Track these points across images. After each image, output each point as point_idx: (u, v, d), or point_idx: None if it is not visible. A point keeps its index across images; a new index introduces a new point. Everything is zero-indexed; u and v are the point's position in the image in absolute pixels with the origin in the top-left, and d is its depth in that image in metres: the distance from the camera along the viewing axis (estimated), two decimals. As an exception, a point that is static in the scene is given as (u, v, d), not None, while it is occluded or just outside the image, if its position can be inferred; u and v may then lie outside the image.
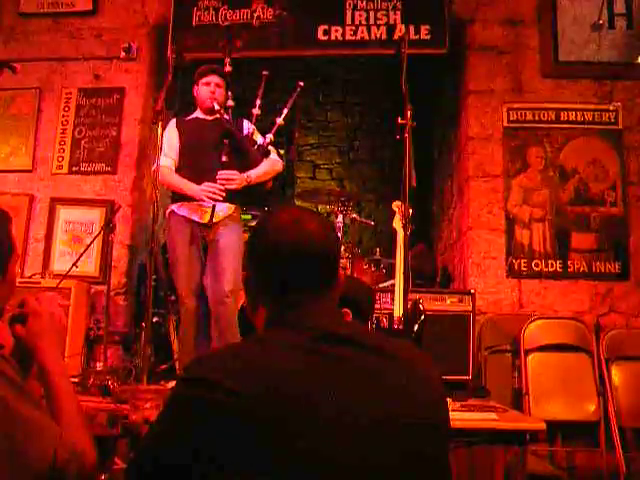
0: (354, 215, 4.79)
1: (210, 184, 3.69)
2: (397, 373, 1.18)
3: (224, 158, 3.72)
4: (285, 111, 3.97)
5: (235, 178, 3.72)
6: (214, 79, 3.92)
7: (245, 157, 3.83)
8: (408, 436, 1.11)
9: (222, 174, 3.70)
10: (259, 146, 3.87)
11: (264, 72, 3.88)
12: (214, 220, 3.68)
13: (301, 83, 4.02)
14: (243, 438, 1.01)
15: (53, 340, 1.45)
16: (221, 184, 3.69)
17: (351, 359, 1.14)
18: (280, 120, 3.95)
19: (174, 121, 3.98)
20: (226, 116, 3.86)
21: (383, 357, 1.19)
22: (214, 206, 3.67)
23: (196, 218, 3.76)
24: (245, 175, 3.77)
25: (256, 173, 3.85)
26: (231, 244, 3.73)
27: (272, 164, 3.97)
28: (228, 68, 3.89)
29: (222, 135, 3.76)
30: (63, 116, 5.05)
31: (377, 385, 1.13)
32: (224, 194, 3.69)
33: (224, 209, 3.76)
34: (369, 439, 1.06)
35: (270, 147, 3.93)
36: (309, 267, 1.26)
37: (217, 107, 3.84)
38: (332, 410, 1.06)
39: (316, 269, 1.27)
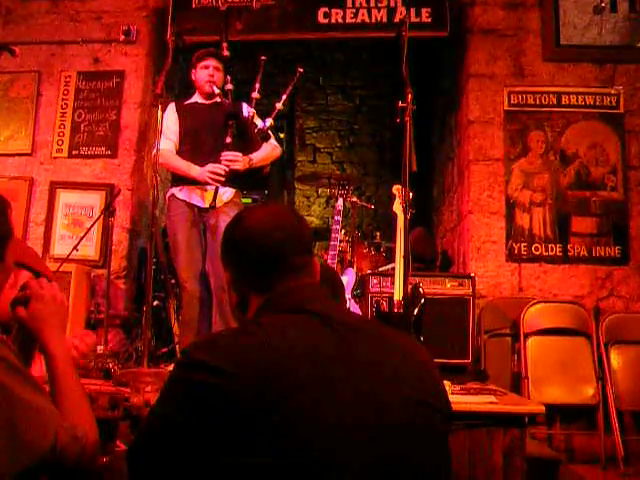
0: (354, 199, 4.79)
1: (214, 165, 3.68)
2: (396, 357, 1.19)
3: (228, 140, 3.70)
4: (284, 97, 3.95)
5: (239, 159, 3.71)
6: (212, 62, 3.90)
7: (247, 140, 3.82)
8: (409, 419, 1.12)
9: (226, 155, 3.69)
10: (259, 130, 3.86)
11: (262, 57, 3.86)
12: (217, 204, 3.67)
13: (300, 69, 4.00)
14: (242, 421, 1.01)
15: (55, 323, 1.46)
16: (225, 165, 3.67)
17: (348, 342, 1.15)
18: (280, 105, 3.94)
19: (173, 105, 3.97)
20: (226, 100, 3.84)
21: (380, 341, 1.21)
22: (217, 188, 3.66)
23: (197, 202, 3.75)
24: (247, 158, 3.76)
25: (257, 156, 3.85)
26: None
27: (272, 149, 3.97)
28: (226, 52, 3.87)
29: (227, 117, 3.75)
30: (63, 99, 5.03)
31: (377, 368, 1.14)
32: (228, 175, 3.68)
33: (227, 192, 3.76)
34: (368, 420, 1.07)
35: (269, 132, 3.93)
36: (285, 244, 1.30)
37: (216, 91, 3.83)
38: (333, 392, 1.06)
39: (291, 245, 1.31)
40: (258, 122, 3.92)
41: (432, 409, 1.17)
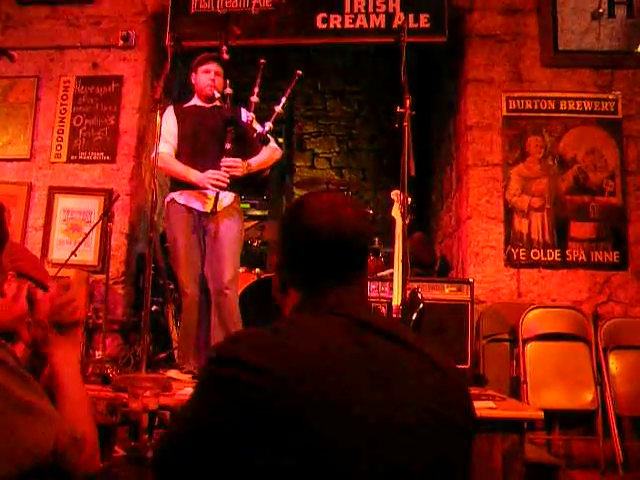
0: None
1: (215, 171, 3.67)
2: (431, 371, 1.17)
3: (228, 146, 3.70)
4: (283, 100, 3.95)
5: (239, 166, 3.72)
6: (213, 67, 3.91)
7: (246, 145, 3.82)
8: (436, 435, 1.10)
9: (226, 161, 3.69)
10: (258, 134, 3.86)
11: (262, 60, 3.86)
12: (217, 209, 3.67)
13: (299, 72, 4.00)
14: (273, 421, 1.00)
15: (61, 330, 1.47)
16: (225, 171, 3.67)
17: (384, 349, 1.13)
18: (279, 109, 3.93)
19: (172, 108, 3.96)
20: (225, 104, 3.84)
21: (416, 352, 1.18)
22: (218, 194, 3.66)
23: (198, 207, 3.75)
24: (246, 163, 3.77)
25: (256, 161, 3.85)
26: (232, 234, 3.73)
27: (271, 152, 3.97)
28: (226, 56, 3.87)
29: (226, 123, 3.75)
30: (61, 104, 5.03)
31: (410, 380, 1.12)
32: (228, 181, 3.68)
33: (227, 198, 3.76)
34: (396, 429, 1.06)
35: (269, 135, 3.93)
36: (346, 253, 1.25)
37: (217, 95, 3.83)
38: (364, 398, 1.05)
39: (352, 256, 1.26)
40: (257, 126, 3.92)
41: (456, 427, 1.15)
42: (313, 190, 5.54)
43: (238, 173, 3.71)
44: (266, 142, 3.89)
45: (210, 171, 3.68)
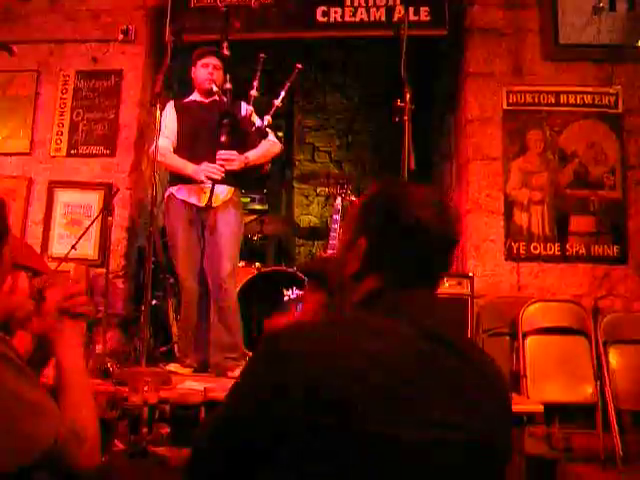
0: (353, 198, 4.78)
1: (210, 164, 3.67)
2: (486, 392, 1.13)
3: (223, 138, 3.69)
4: (283, 93, 3.94)
5: (234, 159, 3.71)
6: (212, 61, 3.90)
7: (243, 138, 3.81)
8: (472, 457, 1.06)
9: (221, 154, 3.69)
10: (257, 128, 3.85)
11: (261, 54, 3.85)
12: (214, 203, 3.67)
13: (299, 65, 3.99)
14: (323, 420, 0.97)
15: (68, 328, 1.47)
16: (220, 165, 3.67)
17: (449, 364, 1.09)
18: (278, 102, 3.92)
19: (172, 103, 3.96)
20: (224, 98, 3.84)
21: (479, 371, 1.14)
22: (213, 187, 3.66)
23: (194, 201, 3.75)
24: (243, 156, 3.76)
25: (254, 154, 3.84)
26: (231, 229, 3.73)
27: (270, 146, 3.96)
28: (226, 52, 3.86)
29: (222, 115, 3.75)
30: (61, 99, 5.02)
31: (467, 398, 1.08)
32: (223, 174, 3.67)
33: (224, 191, 3.76)
34: (439, 443, 1.02)
35: (268, 129, 3.92)
36: (446, 252, 1.21)
37: (215, 89, 3.83)
38: (419, 409, 1.02)
39: (449, 256, 1.22)
40: (256, 120, 3.91)
41: (496, 453, 1.12)
42: (313, 183, 5.53)
43: (234, 167, 3.70)
44: (264, 136, 3.88)
45: (205, 163, 3.68)
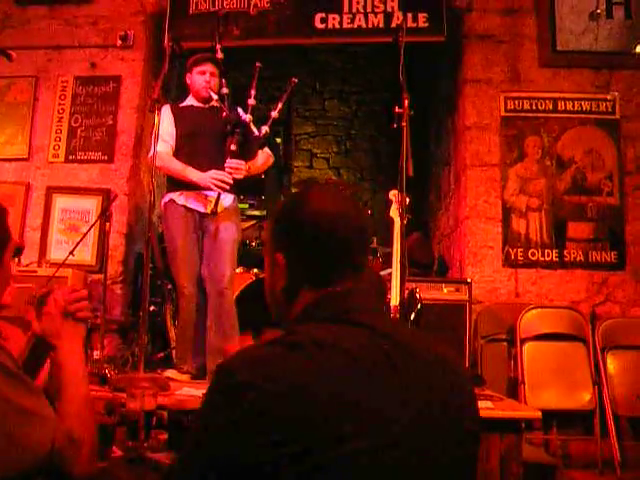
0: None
1: (219, 172, 3.63)
2: (442, 379, 1.14)
3: (233, 147, 3.67)
4: (279, 105, 3.92)
5: (242, 168, 3.70)
6: (208, 68, 3.88)
7: (247, 147, 3.81)
8: (443, 444, 1.07)
9: (231, 162, 3.66)
10: (256, 137, 3.84)
11: (257, 64, 3.84)
12: (218, 210, 3.66)
13: (295, 79, 3.95)
14: (292, 441, 0.96)
15: (68, 330, 1.48)
16: (229, 173, 3.65)
17: (395, 358, 1.09)
18: (275, 114, 3.90)
19: (168, 107, 3.91)
20: (224, 106, 3.83)
21: (428, 361, 1.15)
22: (219, 195, 3.64)
23: (198, 207, 3.72)
24: (247, 165, 3.75)
25: (255, 164, 3.84)
26: (231, 235, 3.72)
27: (267, 157, 3.96)
28: (220, 55, 3.85)
29: (233, 124, 3.72)
30: (59, 104, 5.03)
31: (422, 389, 1.09)
32: (232, 183, 3.66)
33: (227, 198, 3.74)
34: (408, 442, 1.03)
35: (264, 140, 3.91)
36: (361, 240, 1.25)
37: (214, 97, 3.82)
38: (382, 416, 1.02)
39: (365, 243, 1.27)
40: (254, 129, 3.90)
41: (471, 436, 1.15)
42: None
43: (241, 175, 3.70)
44: (263, 146, 3.88)
45: (213, 171, 3.64)
